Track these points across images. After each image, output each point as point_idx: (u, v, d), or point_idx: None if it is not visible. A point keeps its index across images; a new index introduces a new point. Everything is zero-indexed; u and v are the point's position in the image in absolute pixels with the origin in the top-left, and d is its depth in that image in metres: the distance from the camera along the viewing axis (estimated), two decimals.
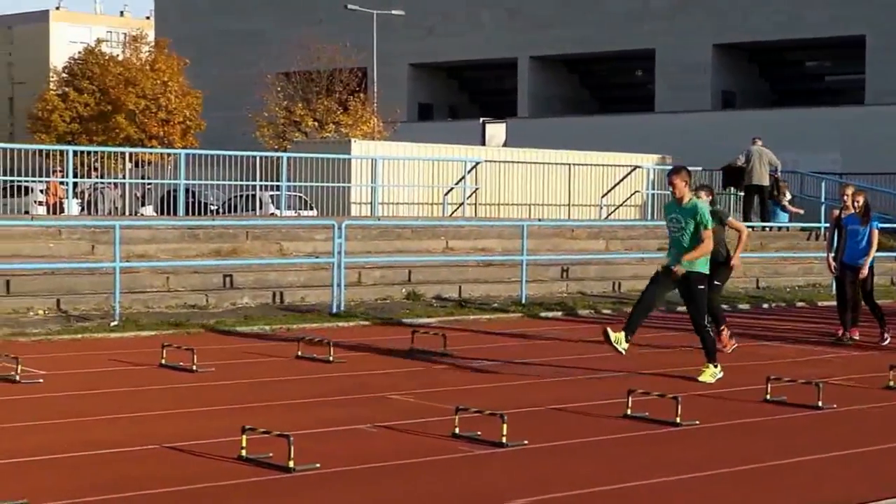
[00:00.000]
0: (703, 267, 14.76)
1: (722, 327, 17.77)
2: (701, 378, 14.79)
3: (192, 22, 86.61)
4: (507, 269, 26.29)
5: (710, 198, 17.34)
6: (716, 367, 14.96)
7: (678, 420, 11.89)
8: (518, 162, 37.27)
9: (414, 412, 12.54)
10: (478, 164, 35.43)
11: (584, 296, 25.56)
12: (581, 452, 10.88)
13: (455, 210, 34.70)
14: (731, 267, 17.97)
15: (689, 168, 15.56)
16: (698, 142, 54.08)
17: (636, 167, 37.85)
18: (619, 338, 14.47)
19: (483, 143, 61.72)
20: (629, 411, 12.35)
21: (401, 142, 45.07)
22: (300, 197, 34.98)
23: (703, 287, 14.73)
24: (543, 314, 22.95)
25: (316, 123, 67.36)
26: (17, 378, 13.91)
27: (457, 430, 11.16)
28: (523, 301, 24.12)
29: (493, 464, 10.30)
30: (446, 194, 35.07)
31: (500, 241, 28.27)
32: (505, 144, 61.54)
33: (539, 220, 32.39)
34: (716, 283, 17.35)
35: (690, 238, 14.61)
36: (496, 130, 67.29)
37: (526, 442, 10.91)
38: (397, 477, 9.77)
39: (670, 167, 17.77)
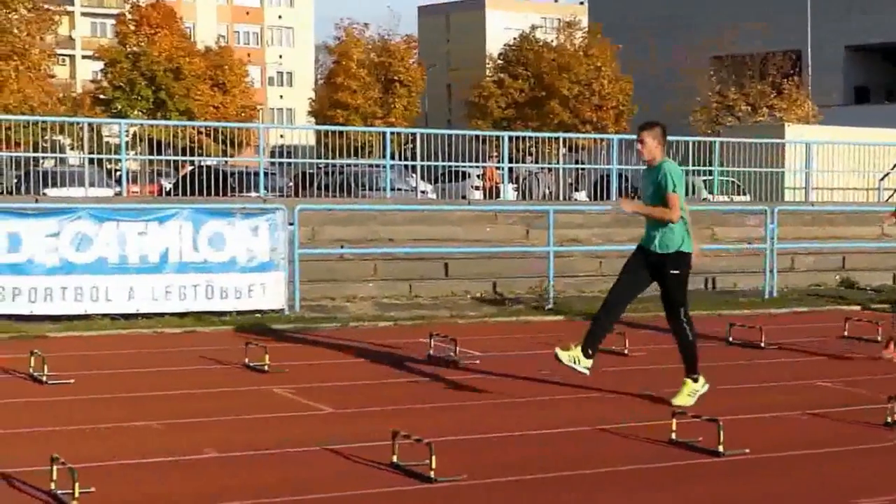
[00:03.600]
0: (684, 245, 11.95)
1: None
2: (675, 400, 11.82)
3: (625, 6, 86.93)
4: None
5: None
6: (696, 380, 12.01)
7: None
8: None
9: (846, 400, 12.35)
10: None
11: None
12: None
13: (891, 196, 33.68)
14: None
15: None
16: None
17: None
18: (575, 356, 11.97)
19: None
20: None
21: (835, 126, 44.04)
22: (732, 182, 34.72)
23: (678, 272, 11.96)
24: None
25: (749, 108, 66.55)
26: (456, 359, 14.43)
27: (889, 419, 10.94)
28: None
29: None
30: (881, 179, 34.08)
31: None
32: None
33: None
34: None
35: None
36: None
37: None
38: (826, 464, 9.67)
39: None
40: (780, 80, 66.75)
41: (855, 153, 34.23)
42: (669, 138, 31.90)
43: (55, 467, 8.26)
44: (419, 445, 8.99)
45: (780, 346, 16.03)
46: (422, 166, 32.48)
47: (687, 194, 13.54)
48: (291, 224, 19.17)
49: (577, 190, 37.70)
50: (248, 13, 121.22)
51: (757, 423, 11.17)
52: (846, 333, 17.13)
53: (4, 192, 27.09)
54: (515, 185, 36.10)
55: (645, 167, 12.38)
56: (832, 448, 10.17)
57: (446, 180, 36.84)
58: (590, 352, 12.01)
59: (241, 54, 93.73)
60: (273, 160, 31.92)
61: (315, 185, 30.71)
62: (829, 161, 33.71)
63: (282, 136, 58.10)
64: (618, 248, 23.38)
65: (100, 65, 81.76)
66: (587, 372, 12.03)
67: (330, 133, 35.05)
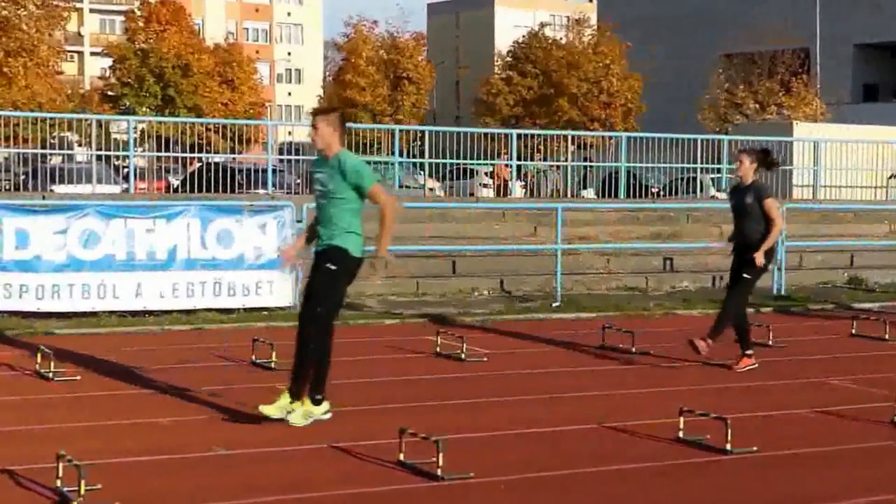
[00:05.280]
0: (353, 244, 10.50)
1: (748, 351, 14.23)
2: (291, 419, 10.42)
3: (633, 5, 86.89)
4: None
5: (755, 166, 14.07)
6: (319, 403, 10.56)
7: None
8: None
9: (854, 398, 12.34)
10: None
11: None
12: None
13: None
14: (768, 254, 14.03)
15: None
16: None
17: None
18: (308, 411, 10.44)
19: None
20: None
21: (844, 124, 44.00)
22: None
23: (335, 268, 10.48)
24: None
25: (757, 105, 66.52)
26: (463, 357, 14.43)
27: None
28: None
29: None
30: (890, 178, 34.04)
31: None
32: None
33: None
34: (744, 275, 14.06)
35: (341, 207, 10.46)
36: None
37: None
38: (835, 464, 9.66)
39: None
40: (788, 77, 66.73)
41: (863, 151, 34.18)
42: (679, 136, 31.90)
43: (61, 464, 8.25)
44: (426, 443, 8.98)
45: (787, 344, 16.01)
46: (430, 164, 32.47)
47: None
48: (300, 221, 19.17)
49: (585, 187, 37.70)
50: (257, 10, 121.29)
51: (765, 422, 11.15)
52: (854, 331, 17.12)
53: (12, 188, 27.11)
54: (523, 183, 36.08)
55: (317, 158, 10.96)
56: (840, 446, 10.16)
57: (454, 178, 36.83)
58: (319, 397, 10.54)
59: (250, 51, 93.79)
60: (281, 157, 31.86)
61: None
62: (837, 159, 33.66)
63: (290, 132, 58.14)
64: (626, 245, 23.44)
65: (108, 61, 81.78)
66: (328, 416, 10.59)
67: None
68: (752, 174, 14.14)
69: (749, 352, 14.24)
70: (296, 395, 10.47)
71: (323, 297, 10.51)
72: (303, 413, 10.40)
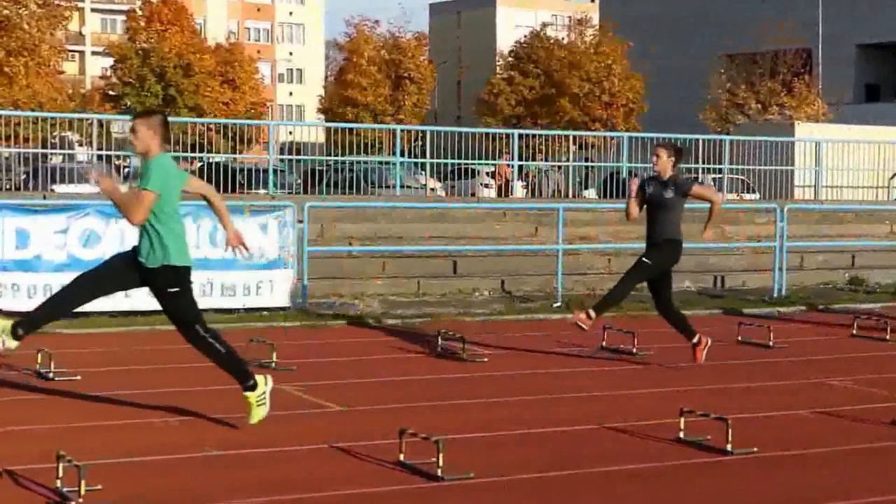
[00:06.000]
0: (178, 258, 10.22)
1: (696, 338, 14.12)
2: (252, 420, 10.35)
3: (635, 5, 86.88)
4: None
5: (673, 160, 14.05)
6: (255, 387, 10.38)
7: None
8: None
9: (855, 399, 12.33)
10: None
11: None
12: None
13: None
14: (675, 248, 14.29)
15: None
16: None
17: None
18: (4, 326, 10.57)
19: None
20: None
21: (846, 124, 44.00)
22: (742, 180, 34.68)
23: (177, 289, 10.27)
24: None
25: (759, 106, 66.52)
26: (463, 357, 14.42)
27: None
28: None
29: None
30: (892, 178, 34.02)
31: None
32: None
33: None
34: (644, 259, 14.18)
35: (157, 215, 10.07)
36: None
37: None
38: (835, 464, 9.65)
39: None
40: (790, 78, 66.75)
41: (865, 151, 34.18)
42: (680, 136, 31.82)
43: (61, 464, 8.24)
44: (427, 443, 8.97)
45: (788, 345, 16.00)
46: (431, 163, 32.46)
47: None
48: (300, 221, 19.17)
49: (586, 188, 37.68)
50: (258, 10, 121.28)
51: (766, 422, 11.14)
52: (854, 332, 17.11)
53: (13, 188, 27.10)
54: (524, 183, 36.07)
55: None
56: (840, 446, 10.15)
57: (455, 178, 36.82)
58: (21, 332, 10.57)
59: (252, 51, 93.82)
60: (282, 157, 31.92)
61: (324, 182, 30.70)
62: (838, 159, 33.66)
63: (290, 132, 58.00)
64: (627, 245, 23.38)
65: (109, 61, 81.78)
66: (4, 350, 10.54)
67: (339, 130, 35.04)
68: (671, 168, 14.14)
69: (694, 340, 14.16)
70: (16, 336, 10.56)
71: (188, 318, 10.46)
72: (254, 405, 10.33)
